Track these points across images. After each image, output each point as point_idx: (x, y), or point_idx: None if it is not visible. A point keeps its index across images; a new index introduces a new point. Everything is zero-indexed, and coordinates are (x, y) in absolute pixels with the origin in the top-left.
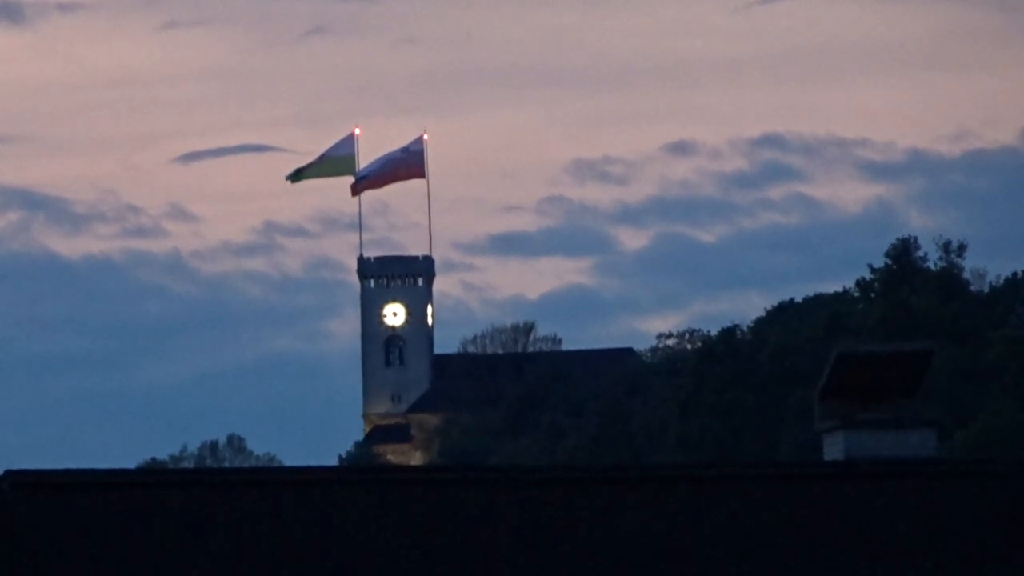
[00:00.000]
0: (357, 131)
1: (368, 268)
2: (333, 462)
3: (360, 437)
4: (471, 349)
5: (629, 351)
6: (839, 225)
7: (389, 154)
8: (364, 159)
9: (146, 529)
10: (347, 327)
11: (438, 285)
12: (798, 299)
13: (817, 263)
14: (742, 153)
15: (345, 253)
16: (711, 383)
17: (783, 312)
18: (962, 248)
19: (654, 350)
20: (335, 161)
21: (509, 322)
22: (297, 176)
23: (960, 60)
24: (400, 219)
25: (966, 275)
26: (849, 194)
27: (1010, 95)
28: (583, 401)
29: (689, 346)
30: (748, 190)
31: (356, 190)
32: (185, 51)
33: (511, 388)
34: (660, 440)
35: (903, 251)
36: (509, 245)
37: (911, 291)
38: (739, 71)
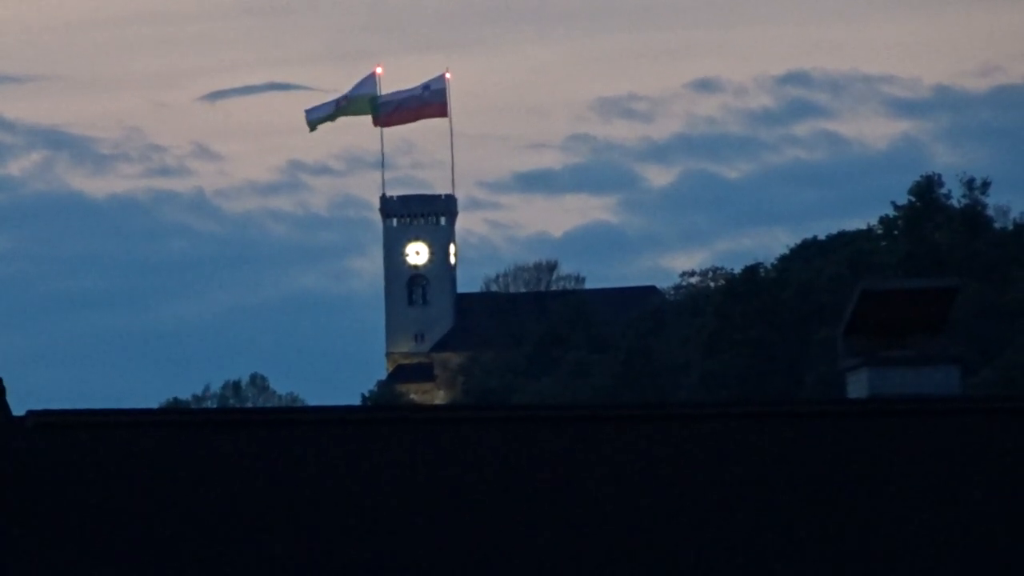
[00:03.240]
0: (379, 70)
1: (390, 207)
2: (356, 401)
3: (383, 376)
4: (494, 288)
5: (652, 289)
6: (865, 161)
7: (411, 90)
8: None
9: (169, 470)
10: (371, 266)
11: (462, 223)
12: (822, 236)
13: (843, 199)
14: (767, 90)
15: (369, 191)
16: (734, 321)
17: (806, 249)
18: (986, 185)
19: (677, 288)
20: (357, 101)
21: (532, 260)
22: (316, 123)
23: None
24: (425, 157)
25: (990, 212)
26: (875, 130)
27: None
28: (606, 339)
29: (712, 284)
30: (773, 127)
31: (377, 122)
32: None
33: (534, 327)
34: (684, 378)
35: (927, 188)
36: (534, 182)
37: (935, 228)
38: (764, 7)
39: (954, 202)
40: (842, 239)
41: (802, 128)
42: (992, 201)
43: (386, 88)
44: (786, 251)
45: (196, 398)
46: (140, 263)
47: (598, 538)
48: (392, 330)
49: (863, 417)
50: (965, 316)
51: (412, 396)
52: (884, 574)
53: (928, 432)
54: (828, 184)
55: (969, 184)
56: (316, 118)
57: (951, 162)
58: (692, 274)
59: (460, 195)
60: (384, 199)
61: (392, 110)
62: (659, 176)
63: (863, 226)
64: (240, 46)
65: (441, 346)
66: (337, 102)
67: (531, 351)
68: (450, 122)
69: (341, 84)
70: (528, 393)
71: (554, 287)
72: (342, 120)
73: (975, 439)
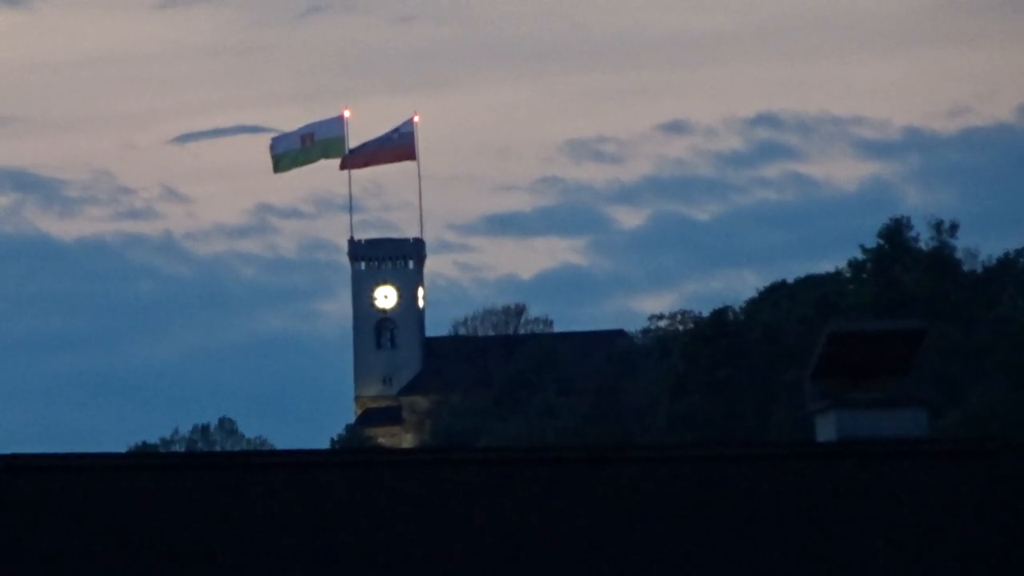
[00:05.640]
0: (347, 113)
1: (359, 250)
2: (324, 444)
3: (352, 419)
4: (462, 331)
5: (620, 333)
6: (834, 203)
7: (380, 137)
8: (355, 139)
9: (138, 514)
10: (339, 308)
11: (432, 265)
12: (791, 279)
13: (811, 241)
14: (737, 132)
15: (338, 234)
16: (701, 363)
17: (775, 292)
18: (954, 228)
19: (646, 331)
20: (325, 144)
21: (501, 303)
22: (282, 161)
23: (956, 35)
24: (394, 199)
25: (959, 255)
26: (844, 172)
27: (1007, 71)
28: (573, 382)
29: (681, 327)
30: (743, 168)
31: (345, 164)
32: (181, 31)
33: (501, 370)
34: (650, 420)
35: (895, 231)
36: (503, 225)
37: (903, 270)
38: (734, 48)
39: (922, 244)
40: (811, 282)
41: (771, 170)
42: (960, 243)
43: (354, 129)
44: (755, 294)
45: (164, 441)
46: (108, 305)
47: None
48: (360, 373)
49: (832, 459)
50: (932, 358)
51: (380, 439)
52: None
53: (897, 474)
54: (797, 226)
55: (938, 227)
56: (283, 157)
57: (920, 203)
58: (660, 317)
59: (429, 237)
60: (352, 242)
61: (360, 153)
62: (628, 218)
63: (832, 268)
64: (209, 88)
65: (409, 389)
66: (302, 136)
67: (498, 394)
68: (418, 165)
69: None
70: (495, 435)
71: (523, 330)
72: (310, 163)
73: (944, 481)
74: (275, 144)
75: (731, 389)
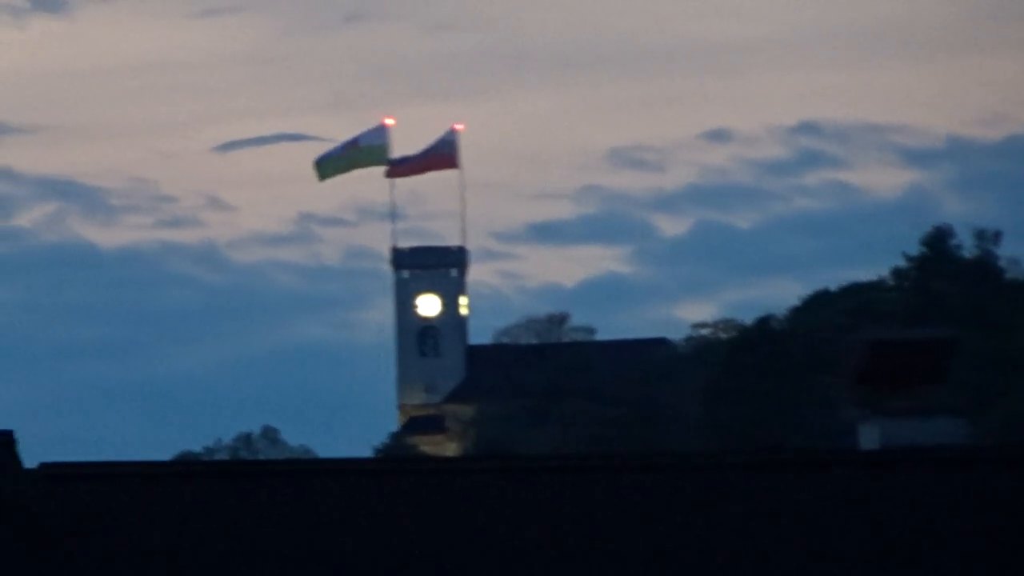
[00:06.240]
0: (389, 121)
1: (401, 258)
2: (368, 453)
3: (395, 427)
4: (504, 340)
5: (662, 341)
6: (875, 211)
7: (425, 147)
8: (397, 147)
9: (181, 522)
10: (381, 317)
11: (474, 274)
12: (833, 286)
13: (853, 249)
14: (779, 140)
15: (380, 242)
16: (739, 371)
17: (817, 300)
18: (997, 236)
19: (688, 339)
20: (367, 151)
21: (543, 312)
22: (327, 170)
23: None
24: (435, 207)
25: (1001, 263)
26: (885, 180)
27: None
28: (611, 390)
29: (723, 335)
30: (784, 177)
31: (392, 174)
32: (221, 38)
33: (539, 378)
34: (686, 428)
35: (938, 239)
36: (545, 233)
37: (945, 279)
38: (776, 56)
39: (965, 252)
40: (853, 290)
41: (812, 178)
42: (1003, 252)
43: (397, 137)
44: (797, 302)
45: (208, 450)
46: (150, 314)
47: None
48: (403, 381)
49: (877, 467)
50: (971, 366)
51: (424, 448)
52: None
53: (941, 482)
54: (838, 234)
55: (980, 235)
56: (327, 164)
57: (961, 211)
58: (704, 325)
59: (471, 245)
60: (395, 251)
61: (405, 163)
62: (670, 226)
63: (872, 276)
64: (249, 96)
65: (452, 397)
66: (345, 146)
67: (534, 402)
68: (461, 173)
69: (352, 134)
70: (530, 444)
71: (565, 339)
72: (352, 171)
73: (989, 489)
74: (320, 159)
75: (767, 397)
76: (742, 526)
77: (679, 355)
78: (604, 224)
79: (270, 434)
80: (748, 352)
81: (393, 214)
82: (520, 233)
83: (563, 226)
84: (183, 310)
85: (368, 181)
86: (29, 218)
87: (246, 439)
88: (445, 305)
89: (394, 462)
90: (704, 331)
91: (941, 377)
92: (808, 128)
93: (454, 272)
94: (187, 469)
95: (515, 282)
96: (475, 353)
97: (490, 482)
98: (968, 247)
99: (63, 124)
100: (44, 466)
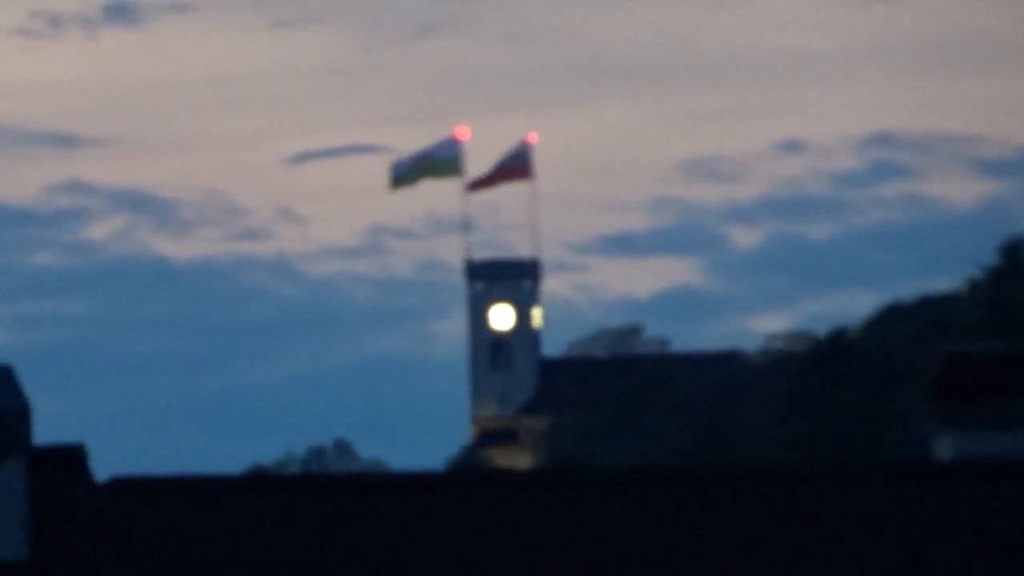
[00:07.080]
0: (462, 132)
1: (474, 271)
2: (440, 466)
3: (468, 440)
4: (577, 352)
5: (736, 353)
6: (951, 222)
7: (500, 160)
8: (470, 158)
9: (253, 537)
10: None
11: (548, 285)
12: (908, 298)
13: (928, 261)
14: (852, 151)
15: (452, 254)
16: (815, 383)
17: (893, 312)
18: None
19: (763, 351)
20: (439, 163)
21: (616, 324)
22: (400, 181)
23: None
24: (508, 219)
25: None
26: (961, 191)
27: None
28: (687, 403)
29: (798, 346)
30: (858, 188)
31: (470, 187)
32: (294, 50)
33: (616, 390)
34: (762, 441)
35: (1014, 250)
36: (618, 245)
37: (1021, 290)
38: (848, 67)
39: None
40: (928, 302)
41: (887, 189)
42: None
43: (470, 149)
44: (872, 313)
45: (279, 463)
46: (223, 327)
47: None
48: (477, 394)
49: (951, 481)
50: None
51: (497, 461)
52: None
53: (1011, 495)
54: (913, 245)
55: None
56: (400, 174)
57: None
58: (777, 337)
59: (544, 257)
60: (468, 263)
61: (483, 177)
62: (743, 237)
63: (948, 288)
64: (322, 107)
65: (526, 410)
66: (418, 158)
67: (611, 415)
68: (534, 184)
69: (425, 145)
70: (608, 457)
71: (638, 350)
72: (424, 183)
73: None
74: (395, 167)
75: (843, 410)
76: (823, 540)
77: (753, 367)
78: (677, 235)
79: (342, 447)
80: (823, 364)
81: (466, 226)
82: (593, 245)
83: (636, 237)
84: (256, 323)
85: (439, 193)
86: (101, 231)
87: (318, 452)
88: (518, 317)
89: (466, 475)
90: (779, 342)
91: (1017, 390)
92: (881, 139)
93: (527, 284)
94: (259, 483)
95: (588, 294)
96: (548, 365)
97: (566, 496)
98: None
99: (135, 136)
100: (114, 480)
